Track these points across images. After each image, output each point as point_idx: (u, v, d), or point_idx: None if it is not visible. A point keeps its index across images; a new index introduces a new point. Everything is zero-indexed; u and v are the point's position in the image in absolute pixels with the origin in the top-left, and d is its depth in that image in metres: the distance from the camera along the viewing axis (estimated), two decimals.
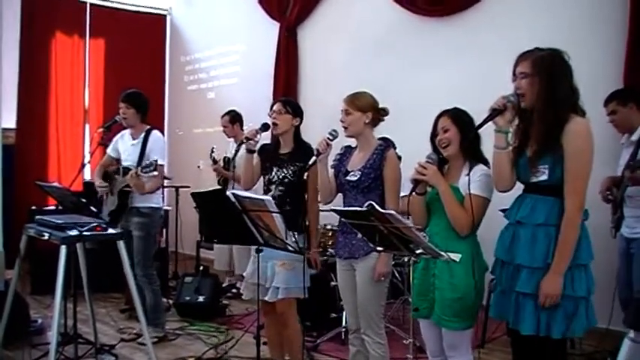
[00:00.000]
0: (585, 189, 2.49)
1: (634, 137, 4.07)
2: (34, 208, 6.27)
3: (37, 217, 3.96)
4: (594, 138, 2.50)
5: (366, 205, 2.47)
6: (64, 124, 8.24)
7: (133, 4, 8.92)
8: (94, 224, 3.66)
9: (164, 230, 6.96)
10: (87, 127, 8.46)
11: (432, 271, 2.86)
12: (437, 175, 2.83)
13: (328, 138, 3.29)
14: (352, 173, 3.31)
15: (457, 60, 5.72)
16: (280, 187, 3.68)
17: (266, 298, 3.59)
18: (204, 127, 8.30)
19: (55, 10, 8.09)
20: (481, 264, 2.84)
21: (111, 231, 3.78)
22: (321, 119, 4.42)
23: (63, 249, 3.47)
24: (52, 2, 8.07)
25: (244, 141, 3.77)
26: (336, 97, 3.59)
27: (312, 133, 3.75)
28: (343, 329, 4.62)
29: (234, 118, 6.43)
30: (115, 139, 4.98)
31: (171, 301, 5.76)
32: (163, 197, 5.26)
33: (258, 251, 3.31)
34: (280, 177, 3.69)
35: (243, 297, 3.87)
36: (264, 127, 3.77)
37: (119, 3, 8.79)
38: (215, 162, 6.42)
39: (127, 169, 4.62)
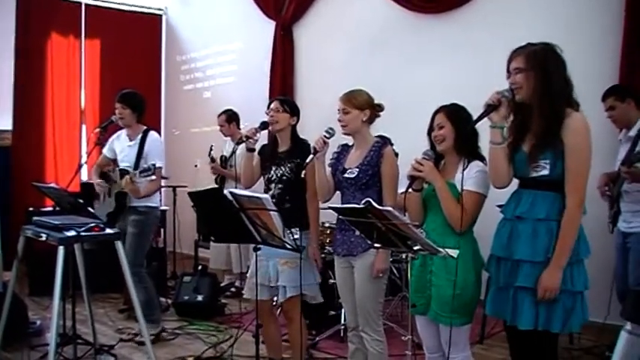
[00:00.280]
0: (585, 185, 2.50)
1: (631, 133, 4.08)
2: (31, 209, 6.26)
3: (35, 218, 3.95)
4: (591, 135, 2.51)
5: (363, 202, 2.47)
6: (61, 125, 8.23)
7: (128, 4, 8.90)
8: (92, 225, 3.66)
9: (162, 230, 6.95)
10: (83, 127, 8.46)
11: (429, 268, 2.87)
12: (433, 172, 2.83)
13: (325, 136, 3.30)
14: (350, 171, 3.31)
15: (453, 57, 5.73)
16: (279, 185, 3.68)
17: (275, 299, 3.60)
18: (200, 126, 8.29)
19: (50, 10, 8.07)
20: (478, 260, 2.85)
21: (109, 231, 3.77)
22: (318, 117, 4.42)
23: (61, 250, 3.46)
24: (47, 3, 8.06)
25: (244, 140, 3.77)
26: (332, 96, 3.59)
27: (309, 131, 3.75)
28: (342, 327, 4.63)
29: (230, 117, 6.43)
30: (110, 139, 4.97)
31: (169, 301, 5.76)
32: (161, 197, 5.25)
33: (256, 249, 3.31)
34: (279, 175, 3.70)
35: (244, 296, 3.87)
36: (263, 125, 3.78)
37: (114, 3, 8.78)
38: (213, 160, 6.42)
39: (123, 171, 4.60)
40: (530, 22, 5.11)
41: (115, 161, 4.87)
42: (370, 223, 2.51)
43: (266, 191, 3.70)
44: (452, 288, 2.75)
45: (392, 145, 3.45)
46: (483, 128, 2.72)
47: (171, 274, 6.89)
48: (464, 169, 2.79)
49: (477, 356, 3.86)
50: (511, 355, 2.78)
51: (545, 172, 2.52)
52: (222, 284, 6.33)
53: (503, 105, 2.58)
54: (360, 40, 6.54)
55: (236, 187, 3.47)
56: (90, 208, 4.27)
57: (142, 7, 9.07)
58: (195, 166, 6.76)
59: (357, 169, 3.28)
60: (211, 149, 6.52)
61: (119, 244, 3.77)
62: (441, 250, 2.47)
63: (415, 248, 2.52)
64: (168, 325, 5.12)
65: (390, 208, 2.44)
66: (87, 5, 8.45)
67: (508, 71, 2.61)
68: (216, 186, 6.19)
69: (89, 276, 4.16)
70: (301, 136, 3.82)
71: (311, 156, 3.30)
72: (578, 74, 2.61)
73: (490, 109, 2.59)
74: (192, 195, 3.30)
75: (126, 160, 4.72)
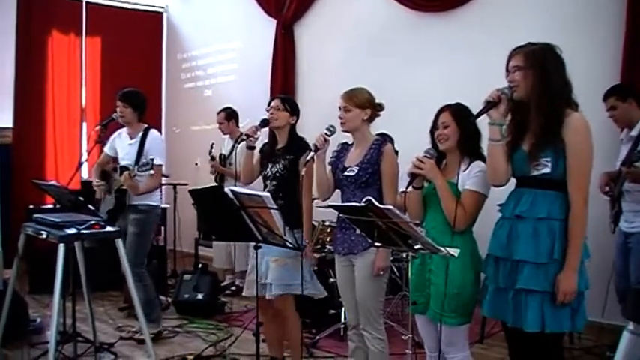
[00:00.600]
0: (588, 184, 2.49)
1: (633, 133, 4.08)
2: (31, 207, 6.26)
3: (35, 215, 3.95)
4: (592, 135, 2.50)
5: (364, 200, 2.47)
6: (61, 123, 8.23)
7: (129, 1, 8.90)
8: (92, 222, 3.66)
9: (162, 228, 6.96)
10: (84, 125, 8.45)
11: (428, 267, 2.86)
12: (434, 170, 2.83)
13: (326, 134, 3.30)
14: (350, 169, 3.31)
15: (452, 56, 5.73)
16: (274, 182, 3.71)
17: (265, 295, 3.61)
18: (201, 124, 8.29)
19: (51, 8, 8.06)
20: (477, 259, 2.84)
21: (109, 229, 3.77)
22: (318, 116, 4.42)
23: (61, 247, 3.46)
24: (48, 1, 8.05)
25: (244, 138, 3.78)
26: (332, 94, 3.59)
27: (309, 129, 3.76)
28: (342, 325, 4.63)
29: (229, 115, 6.43)
30: (112, 137, 4.97)
31: (169, 299, 5.76)
32: (161, 196, 5.25)
33: (256, 248, 3.31)
34: (273, 172, 3.71)
35: (243, 293, 3.88)
36: (263, 123, 3.78)
37: (115, 1, 8.77)
38: (213, 159, 6.42)
39: (124, 169, 4.61)
40: (530, 22, 5.10)
41: (115, 160, 4.87)
42: (371, 221, 2.51)
43: (263, 188, 3.72)
44: (451, 287, 2.75)
45: (393, 143, 3.45)
46: (485, 128, 2.72)
47: (171, 272, 6.89)
48: (465, 169, 2.79)
49: (476, 356, 3.86)
50: (510, 355, 2.77)
51: (547, 170, 2.50)
52: (223, 283, 6.34)
53: (502, 102, 2.58)
54: (362, 39, 6.53)
55: (235, 185, 3.47)
56: (91, 206, 4.27)
57: (143, 5, 9.06)
58: (196, 164, 6.77)
59: (357, 168, 3.28)
60: (212, 147, 6.52)
61: (119, 242, 3.77)
62: (441, 248, 2.47)
63: (416, 247, 2.52)
64: (168, 323, 5.13)
65: (391, 207, 2.44)
66: (88, 3, 8.43)
67: (507, 69, 2.61)
68: (216, 184, 6.20)
69: (89, 274, 4.16)
70: (301, 135, 3.83)
71: (311, 153, 3.30)
72: (579, 74, 2.61)
73: (489, 106, 2.59)
74: (194, 193, 3.30)
75: (127, 159, 4.72)
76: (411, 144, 3.12)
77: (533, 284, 2.48)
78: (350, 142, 3.47)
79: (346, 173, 3.32)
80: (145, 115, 4.90)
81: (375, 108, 3.35)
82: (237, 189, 3.08)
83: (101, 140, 4.96)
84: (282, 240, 3.03)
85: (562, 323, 2.49)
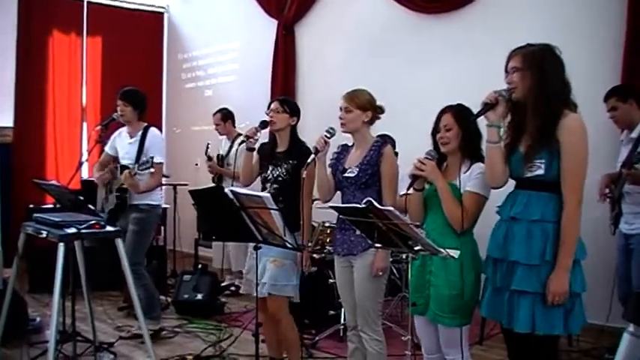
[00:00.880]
0: (582, 185, 2.48)
1: (633, 134, 4.07)
2: (31, 206, 6.25)
3: (35, 215, 3.95)
4: (592, 137, 2.50)
5: (364, 201, 2.47)
6: (62, 122, 8.22)
7: (130, 1, 8.90)
8: (92, 222, 3.65)
9: (162, 228, 6.95)
10: (84, 125, 8.44)
11: (428, 268, 2.86)
12: (435, 171, 2.83)
13: (326, 136, 3.29)
14: (350, 170, 3.32)
15: (454, 57, 5.72)
16: (275, 185, 3.70)
17: (258, 294, 3.61)
18: (201, 124, 8.28)
19: (51, 8, 8.06)
20: (477, 261, 2.84)
21: (109, 228, 3.77)
22: (319, 117, 4.42)
23: (61, 247, 3.46)
24: (48, 0, 8.05)
25: (244, 139, 3.78)
26: (333, 95, 3.59)
27: (310, 130, 3.76)
28: (342, 326, 4.63)
29: (225, 116, 6.45)
30: (112, 136, 4.98)
31: (169, 299, 5.76)
32: (162, 195, 5.25)
33: (256, 248, 3.31)
34: (275, 175, 3.71)
35: (240, 291, 3.88)
36: (263, 124, 3.79)
37: (116, 1, 8.77)
38: (210, 159, 6.42)
39: (124, 168, 4.62)
40: (532, 22, 5.09)
41: (116, 159, 4.87)
42: (371, 222, 2.51)
43: (262, 190, 3.71)
44: (451, 288, 2.75)
45: (394, 145, 3.45)
46: (485, 130, 2.72)
47: (171, 273, 6.89)
48: (466, 171, 2.80)
49: (475, 357, 3.86)
50: (509, 356, 2.77)
51: (540, 171, 2.51)
52: (223, 284, 6.33)
53: (500, 104, 2.58)
54: (363, 40, 6.53)
55: (233, 186, 3.46)
56: (91, 206, 4.27)
57: (144, 5, 9.06)
58: (196, 164, 6.76)
59: (357, 169, 3.28)
60: (208, 147, 6.52)
61: (119, 242, 3.77)
62: (441, 250, 2.47)
63: (416, 248, 2.52)
64: (167, 324, 5.12)
65: (391, 208, 2.44)
66: (89, 3, 8.42)
67: (506, 71, 2.61)
68: (215, 184, 6.20)
69: (89, 273, 4.16)
70: (301, 136, 3.82)
71: (312, 156, 3.30)
72: (579, 75, 2.61)
73: (487, 107, 2.59)
74: (194, 193, 3.30)
75: (127, 158, 4.73)
76: (412, 145, 3.12)
77: (525, 285, 2.50)
78: (350, 144, 3.47)
79: (346, 174, 3.32)
80: (145, 115, 4.91)
81: (375, 110, 3.35)
82: (237, 189, 3.08)
83: (102, 140, 4.97)
84: (282, 241, 3.03)
85: (553, 325, 2.48)
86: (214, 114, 6.50)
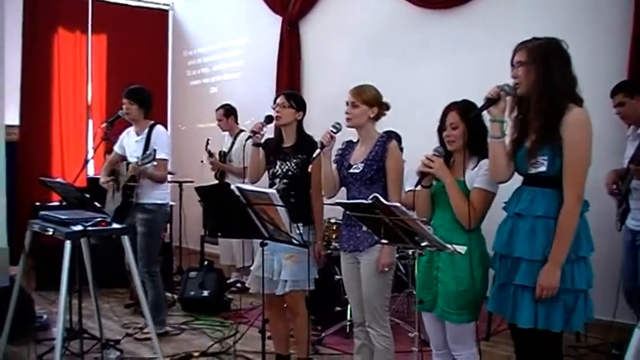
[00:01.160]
0: (584, 179, 2.46)
1: None
2: (37, 204, 6.28)
3: (42, 212, 3.96)
4: (598, 132, 2.48)
5: (370, 197, 2.46)
6: (67, 120, 8.24)
7: None
8: (99, 219, 3.66)
9: (168, 225, 6.96)
10: (90, 122, 8.47)
11: (435, 264, 2.86)
12: (443, 168, 2.82)
13: (332, 131, 3.29)
14: (355, 166, 3.31)
15: (456, 54, 5.71)
16: (284, 180, 3.69)
17: (275, 292, 3.61)
18: (207, 121, 8.27)
19: (57, 5, 8.07)
20: (485, 257, 2.83)
21: (115, 226, 3.78)
22: (324, 112, 4.41)
23: (67, 244, 3.46)
24: None
25: (251, 135, 3.77)
26: (338, 91, 3.58)
27: (315, 125, 3.75)
28: (348, 323, 4.62)
29: (228, 112, 6.45)
30: (121, 136, 5.00)
31: (175, 296, 5.77)
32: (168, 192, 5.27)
33: (262, 245, 3.31)
34: (284, 170, 3.70)
35: (250, 290, 3.88)
36: (268, 119, 3.78)
37: None
38: (211, 155, 6.42)
39: (130, 164, 4.64)
40: (534, 19, 5.07)
41: (125, 158, 4.89)
42: (378, 218, 2.50)
43: (270, 186, 3.72)
44: (458, 284, 2.75)
45: (400, 141, 3.44)
46: None
47: (177, 270, 6.90)
48: (474, 167, 2.78)
49: (482, 353, 3.85)
50: (516, 352, 2.77)
51: (543, 168, 2.50)
52: (229, 280, 6.34)
53: (502, 99, 2.57)
54: (366, 36, 6.52)
55: (244, 183, 3.47)
56: (97, 203, 4.28)
57: (149, 2, 9.07)
58: (201, 161, 6.76)
59: (362, 165, 3.28)
60: (208, 142, 6.51)
61: (126, 239, 3.76)
62: (448, 246, 2.46)
63: (423, 244, 2.51)
64: (174, 321, 5.14)
65: (397, 204, 2.44)
66: (94, 0, 8.44)
67: (512, 64, 2.59)
68: (218, 181, 6.21)
69: (95, 271, 4.17)
70: (307, 131, 3.82)
71: (318, 150, 3.29)
72: (585, 70, 2.59)
73: (489, 102, 2.59)
74: (200, 190, 3.30)
75: (134, 156, 4.73)
76: (415, 142, 3.12)
77: (527, 281, 2.50)
78: (355, 140, 3.47)
79: (351, 170, 3.32)
80: (151, 112, 4.91)
81: (381, 107, 3.35)
82: (243, 186, 3.08)
83: (107, 137, 4.98)
84: (288, 237, 3.03)
85: (554, 321, 2.47)
86: (217, 110, 6.52)
